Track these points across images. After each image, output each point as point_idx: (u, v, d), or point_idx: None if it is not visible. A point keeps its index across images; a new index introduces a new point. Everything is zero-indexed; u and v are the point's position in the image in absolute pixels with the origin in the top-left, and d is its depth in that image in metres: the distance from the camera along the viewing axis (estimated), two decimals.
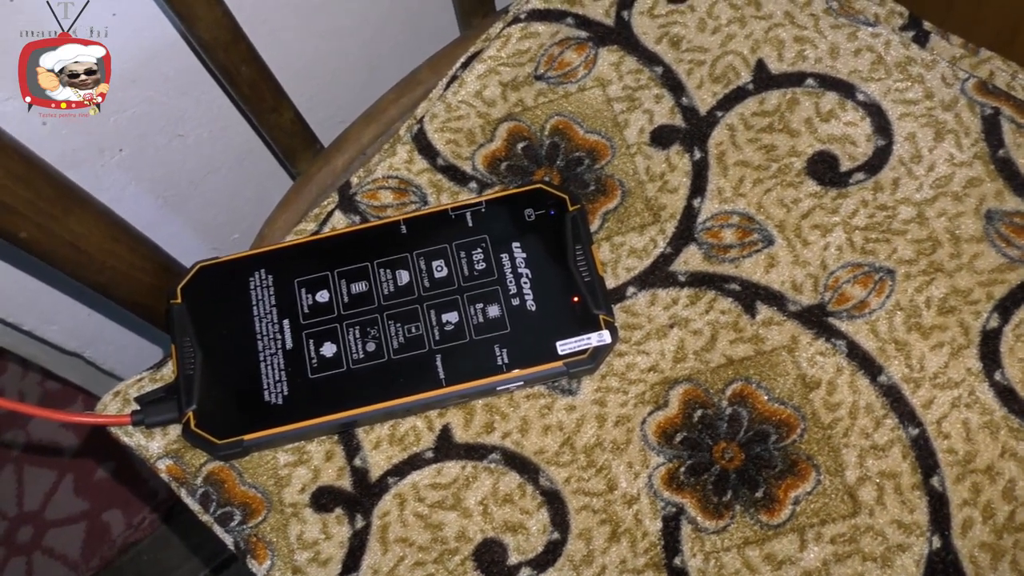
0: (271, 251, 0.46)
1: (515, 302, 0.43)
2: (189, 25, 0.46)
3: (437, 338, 0.43)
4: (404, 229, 0.45)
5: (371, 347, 0.43)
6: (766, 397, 0.43)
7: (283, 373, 0.43)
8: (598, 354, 0.43)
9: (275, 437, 0.43)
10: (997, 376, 0.42)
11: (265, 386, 0.43)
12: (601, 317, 0.43)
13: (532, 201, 0.45)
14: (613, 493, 0.43)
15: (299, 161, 0.58)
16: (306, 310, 0.44)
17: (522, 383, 0.43)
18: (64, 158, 0.56)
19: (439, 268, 0.44)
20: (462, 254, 0.45)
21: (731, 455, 0.42)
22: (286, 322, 0.44)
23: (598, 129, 0.48)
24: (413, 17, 0.70)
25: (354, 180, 0.50)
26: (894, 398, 0.42)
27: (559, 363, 0.43)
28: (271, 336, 0.44)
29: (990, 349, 0.42)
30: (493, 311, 0.43)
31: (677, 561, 0.41)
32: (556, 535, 0.42)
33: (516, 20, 0.51)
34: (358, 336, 0.43)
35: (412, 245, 0.45)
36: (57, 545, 1.07)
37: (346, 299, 0.44)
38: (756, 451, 0.42)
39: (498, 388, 0.43)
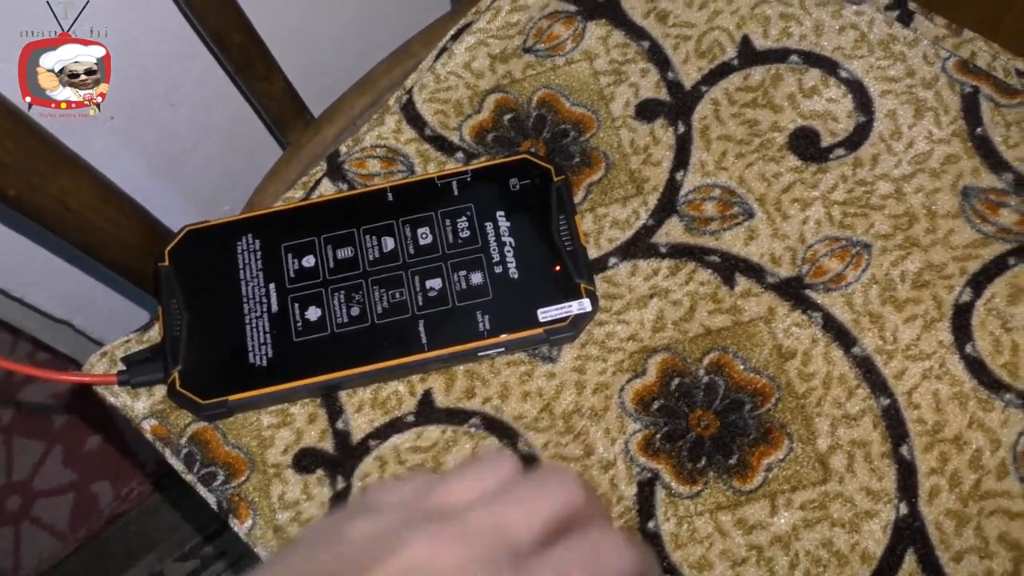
0: (259, 216, 0.46)
1: (498, 270, 0.44)
2: None
3: (420, 304, 0.44)
4: (391, 197, 0.46)
5: (355, 311, 0.44)
6: (742, 367, 0.44)
7: (268, 336, 0.44)
8: (578, 322, 0.43)
9: (259, 398, 0.44)
10: (968, 349, 0.43)
11: (250, 348, 0.44)
12: (582, 286, 0.44)
13: (517, 171, 0.46)
14: (590, 458, 0.43)
15: (290, 131, 0.58)
16: (292, 274, 0.45)
17: (503, 349, 0.44)
18: (53, 124, 0.57)
19: (424, 235, 0.45)
20: (447, 222, 0.45)
21: (707, 423, 0.43)
22: (272, 286, 0.44)
23: (584, 102, 0.49)
24: None
25: (343, 149, 0.50)
26: (867, 369, 0.43)
27: (540, 330, 0.43)
28: (257, 299, 0.44)
29: (962, 322, 0.43)
30: (476, 278, 0.44)
31: (651, 525, 0.42)
32: None
33: None
34: (343, 300, 0.44)
35: (398, 212, 0.46)
36: (45, 515, 1.08)
37: (332, 264, 0.45)
38: (731, 419, 0.43)
39: (479, 354, 0.44)
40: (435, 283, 0.44)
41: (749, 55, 0.49)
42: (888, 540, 0.41)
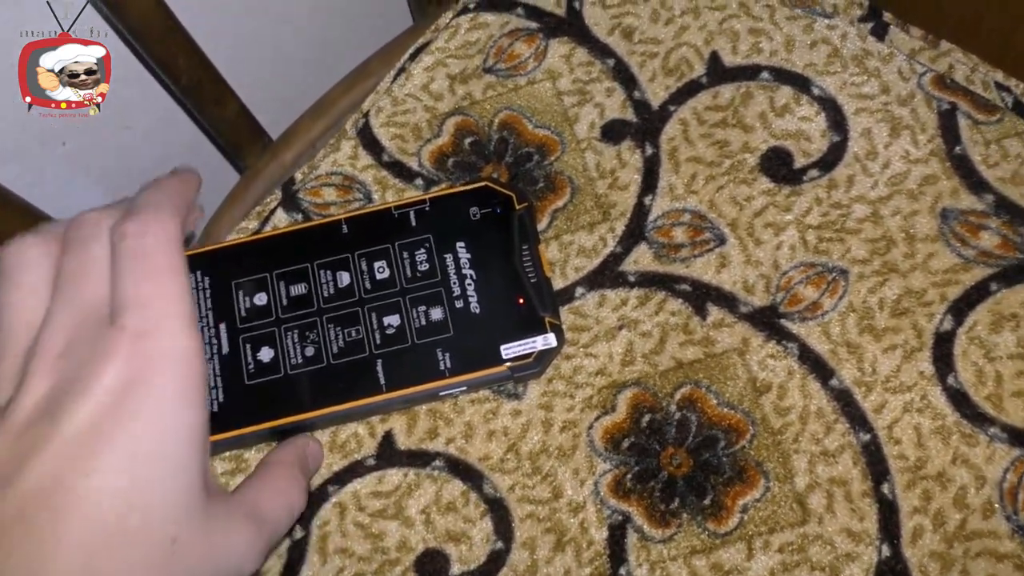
0: (206, 252, 0.44)
1: (459, 304, 0.42)
2: (117, 13, 0.44)
3: (378, 342, 0.42)
4: (346, 229, 0.44)
5: (310, 352, 0.42)
6: (715, 401, 0.42)
7: (219, 379, 0.41)
8: (543, 358, 0.41)
9: (211, 445, 0.42)
10: (950, 380, 0.41)
11: None
12: (547, 319, 0.42)
13: (478, 199, 0.44)
14: (559, 501, 0.41)
15: (246, 155, 0.56)
16: (243, 313, 0.42)
17: (465, 388, 0.42)
18: (1, 152, 0.55)
19: (381, 269, 0.43)
20: (405, 255, 0.43)
21: (679, 461, 0.41)
22: (222, 326, 0.42)
23: (548, 124, 0.47)
24: (365, 4, 0.69)
25: (298, 176, 0.48)
26: (845, 402, 0.41)
27: (503, 367, 0.41)
28: (207, 340, 0.42)
29: (943, 352, 0.41)
30: (436, 314, 0.42)
31: (623, 571, 0.40)
32: (500, 544, 0.41)
33: (465, 10, 0.50)
34: (296, 340, 0.42)
35: (354, 245, 0.43)
36: None
37: (285, 302, 0.42)
38: (704, 457, 0.41)
39: (441, 393, 0.42)
40: (393, 319, 0.42)
41: (718, 72, 0.47)
42: None
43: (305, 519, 0.42)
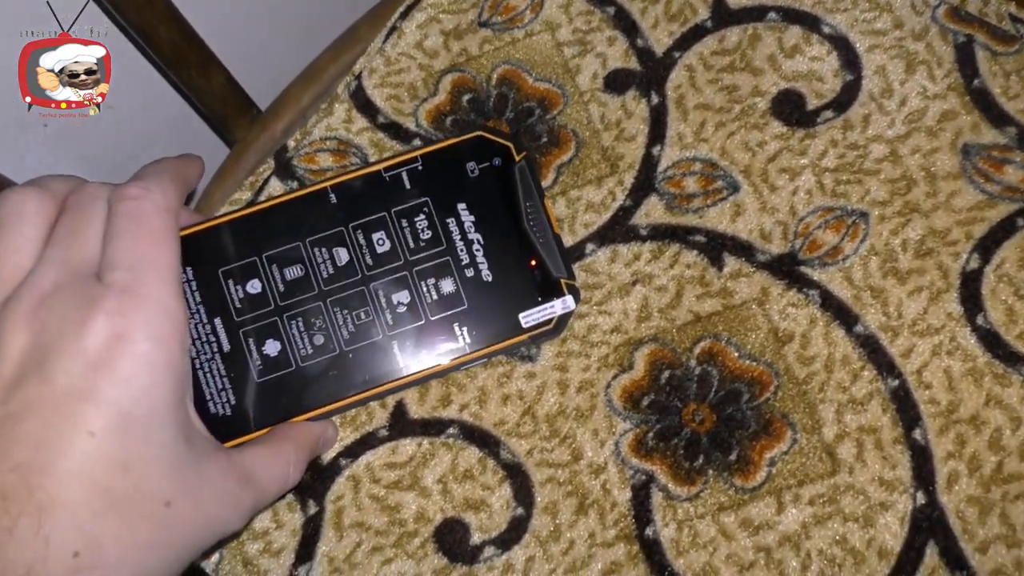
0: (185, 237, 0.39)
1: (469, 273, 0.40)
2: None
3: (390, 322, 0.39)
4: (334, 198, 0.40)
5: (319, 340, 0.39)
6: (736, 354, 0.40)
7: (225, 380, 0.38)
8: (562, 322, 0.40)
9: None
10: (979, 320, 0.40)
11: (208, 397, 0.38)
12: (563, 282, 0.40)
13: (474, 152, 0.41)
14: (579, 463, 0.40)
15: (235, 128, 0.54)
16: (238, 304, 0.39)
17: (486, 361, 0.40)
18: None
19: (380, 241, 0.40)
20: (403, 222, 0.40)
21: (702, 417, 0.40)
22: (218, 321, 0.38)
23: (548, 77, 0.45)
24: None
25: (291, 144, 0.46)
26: (871, 348, 0.40)
27: (523, 336, 0.39)
28: (204, 339, 0.38)
29: (971, 292, 0.40)
30: (447, 286, 0.39)
31: (649, 532, 0.39)
32: (520, 511, 0.40)
33: None
34: (303, 329, 0.39)
35: (346, 217, 0.40)
36: None
37: (281, 288, 0.39)
38: (728, 411, 0.40)
39: (462, 369, 0.40)
40: (402, 296, 0.39)
41: (723, 15, 0.45)
42: (906, 533, 0.38)
43: (318, 494, 0.41)
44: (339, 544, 0.40)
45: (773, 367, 0.40)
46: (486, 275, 0.40)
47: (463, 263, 0.40)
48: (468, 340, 0.39)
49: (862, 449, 0.39)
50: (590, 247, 0.43)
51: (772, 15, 0.45)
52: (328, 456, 0.41)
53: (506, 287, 0.40)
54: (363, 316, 0.39)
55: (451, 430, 0.41)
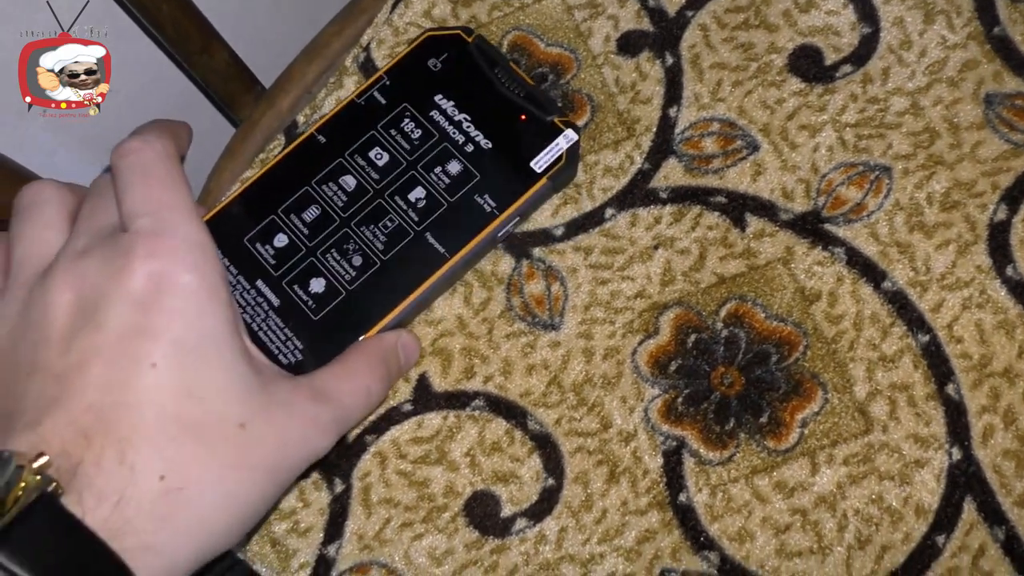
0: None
1: (469, 148, 0.41)
2: None
3: (416, 219, 0.40)
4: (322, 139, 0.42)
5: (357, 261, 0.40)
6: (763, 315, 0.40)
7: (286, 331, 0.39)
8: (572, 155, 0.41)
9: None
10: (1009, 271, 0.39)
11: (277, 352, 0.38)
12: (556, 120, 0.41)
13: (430, 50, 0.43)
14: (608, 431, 0.39)
15: (240, 106, 0.53)
16: (272, 261, 0.40)
17: (518, 218, 0.41)
18: None
19: (378, 156, 0.41)
20: (392, 132, 0.42)
21: (731, 380, 0.39)
22: (259, 283, 0.40)
23: (560, 41, 0.44)
24: None
25: (300, 119, 0.46)
26: (900, 304, 0.39)
27: (543, 180, 0.40)
28: (253, 303, 0.39)
29: (999, 243, 0.39)
30: (454, 167, 0.41)
31: (682, 498, 0.38)
32: (551, 481, 0.39)
33: None
34: (339, 257, 0.40)
35: (339, 149, 0.42)
36: None
37: (305, 231, 0.40)
38: (757, 373, 0.39)
39: (499, 235, 0.41)
40: (417, 192, 0.41)
41: None
42: (943, 489, 0.37)
43: (344, 471, 0.40)
44: (368, 521, 0.40)
45: (801, 327, 0.40)
46: (485, 144, 0.41)
47: (460, 142, 0.41)
48: (494, 203, 0.40)
49: (895, 406, 0.38)
50: (609, 212, 0.42)
51: None
52: (353, 433, 0.41)
53: (508, 146, 0.41)
54: (389, 224, 0.40)
55: (476, 402, 0.40)
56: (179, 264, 0.30)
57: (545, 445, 0.40)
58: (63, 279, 0.30)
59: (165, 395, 0.29)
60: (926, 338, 0.39)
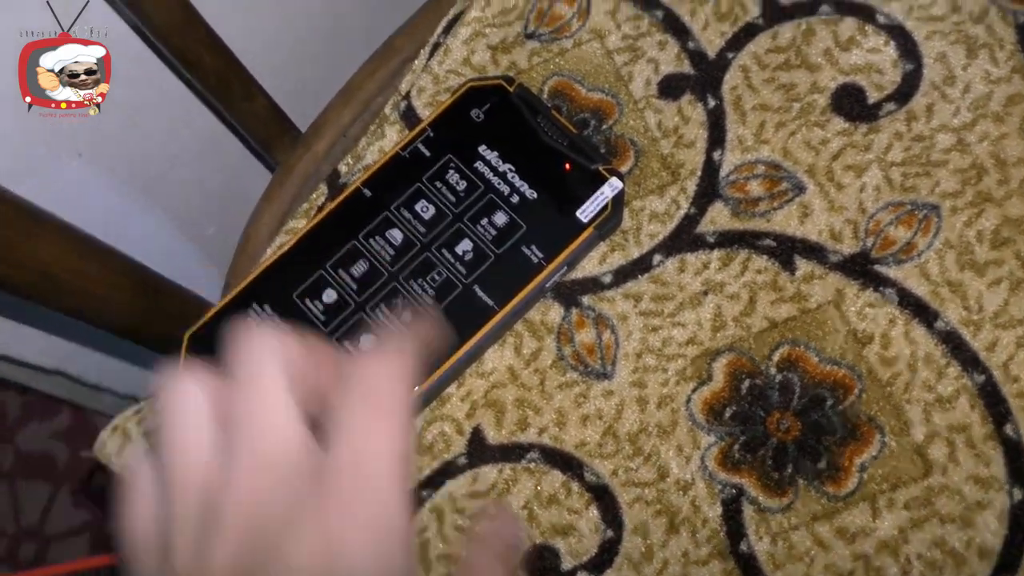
0: (250, 284, 0.41)
1: (514, 199, 0.41)
2: (137, 11, 0.41)
3: (464, 271, 0.40)
4: (368, 192, 0.42)
5: (407, 316, 0.40)
6: (816, 359, 0.40)
7: None
8: (618, 204, 0.41)
9: None
10: None
11: None
12: (601, 169, 0.41)
13: (473, 101, 0.43)
14: (665, 481, 0.40)
15: (276, 149, 0.53)
16: (322, 317, 0.40)
17: (566, 268, 0.41)
18: (17, 166, 0.52)
19: (424, 209, 0.41)
20: (437, 184, 0.42)
21: (787, 425, 0.40)
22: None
23: (601, 86, 0.44)
24: None
25: (343, 168, 0.46)
26: (954, 344, 0.39)
27: (589, 229, 0.41)
28: None
29: None
30: (500, 219, 0.41)
31: (743, 547, 0.38)
32: (610, 533, 0.39)
33: None
34: (388, 313, 0.40)
35: (385, 202, 0.42)
36: (61, 560, 1.04)
37: (354, 286, 0.41)
38: (813, 418, 0.39)
39: (547, 285, 0.41)
40: (464, 245, 0.41)
41: (775, 12, 0.44)
42: (1006, 531, 0.37)
43: None
44: None
45: (855, 370, 0.40)
46: (530, 194, 0.41)
47: (505, 193, 0.41)
48: (542, 254, 0.40)
49: (954, 448, 0.38)
50: (657, 258, 0.42)
51: (825, 8, 0.44)
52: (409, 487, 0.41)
53: (553, 196, 0.41)
54: (437, 277, 0.41)
55: (532, 454, 0.40)
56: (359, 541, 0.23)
57: (602, 496, 0.40)
58: (230, 535, 0.23)
59: None
60: (982, 378, 0.39)
